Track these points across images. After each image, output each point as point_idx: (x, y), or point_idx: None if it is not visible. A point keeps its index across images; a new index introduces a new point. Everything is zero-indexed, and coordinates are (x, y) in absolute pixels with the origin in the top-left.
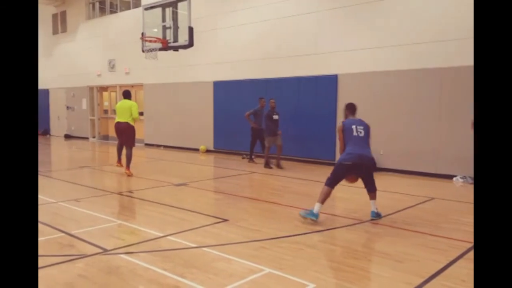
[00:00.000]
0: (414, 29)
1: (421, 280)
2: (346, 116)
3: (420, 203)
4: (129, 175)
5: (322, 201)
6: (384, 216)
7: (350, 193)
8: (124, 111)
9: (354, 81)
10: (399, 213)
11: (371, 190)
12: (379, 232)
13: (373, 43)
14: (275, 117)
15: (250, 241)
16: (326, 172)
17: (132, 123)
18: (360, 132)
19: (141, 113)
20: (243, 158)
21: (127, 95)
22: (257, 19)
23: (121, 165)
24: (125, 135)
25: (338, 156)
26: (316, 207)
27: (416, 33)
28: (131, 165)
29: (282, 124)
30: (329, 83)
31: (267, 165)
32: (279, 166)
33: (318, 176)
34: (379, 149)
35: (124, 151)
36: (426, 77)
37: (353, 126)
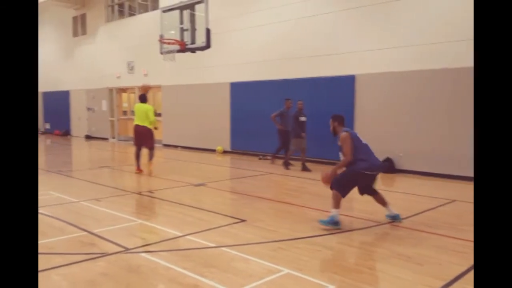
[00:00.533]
0: (432, 29)
1: (442, 284)
2: (334, 128)
3: (441, 205)
4: (140, 171)
5: (338, 205)
6: (404, 218)
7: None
8: (142, 114)
9: (371, 82)
10: (420, 215)
11: (376, 194)
12: (399, 235)
13: (390, 43)
14: (302, 118)
15: (267, 242)
16: None
17: (149, 126)
18: (363, 141)
19: (158, 114)
20: (260, 159)
21: (143, 98)
22: (274, 20)
23: (141, 171)
24: (144, 138)
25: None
26: (335, 214)
27: (434, 33)
28: (150, 165)
29: None
30: (347, 83)
31: (286, 165)
32: (305, 169)
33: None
34: (398, 151)
35: (143, 153)
36: (446, 77)
37: (358, 135)
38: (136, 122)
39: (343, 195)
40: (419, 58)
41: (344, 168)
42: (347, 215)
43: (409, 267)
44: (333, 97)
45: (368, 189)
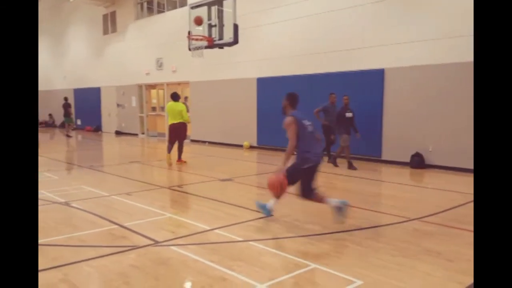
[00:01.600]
0: (463, 21)
1: (473, 280)
2: (284, 108)
3: (472, 201)
4: (181, 163)
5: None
6: (434, 214)
7: (398, 190)
8: (176, 113)
9: (401, 76)
10: (450, 211)
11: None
12: (429, 230)
13: (421, 36)
14: (349, 114)
15: (295, 237)
16: (372, 168)
17: (184, 122)
18: (310, 128)
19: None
20: None
21: (175, 97)
22: (301, 14)
23: (182, 161)
24: (181, 133)
25: (384, 153)
26: (271, 202)
27: (465, 25)
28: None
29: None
30: (376, 77)
31: (334, 162)
32: (351, 167)
33: (364, 173)
34: (428, 146)
35: (176, 146)
36: None
37: (305, 121)
38: (171, 121)
39: (308, 196)
40: (451, 51)
41: (289, 161)
42: (375, 211)
43: (439, 263)
44: (361, 92)
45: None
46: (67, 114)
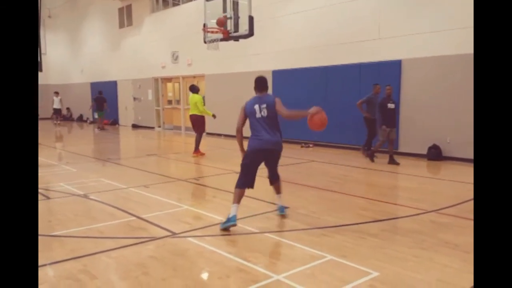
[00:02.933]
0: None
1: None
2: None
3: None
4: (199, 155)
5: (238, 201)
6: (452, 206)
7: (415, 182)
8: (193, 105)
9: (418, 67)
10: (468, 203)
11: (275, 178)
12: (446, 223)
13: (439, 26)
14: (391, 106)
15: (311, 228)
16: (387, 160)
17: (200, 114)
18: (264, 112)
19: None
20: (302, 146)
21: (192, 89)
22: (316, 5)
23: (200, 154)
24: (196, 125)
25: (401, 145)
26: (233, 210)
27: None
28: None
29: (343, 112)
30: (392, 69)
31: (371, 157)
32: (392, 162)
33: (381, 165)
34: (445, 137)
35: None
36: None
37: (256, 106)
38: (190, 112)
39: (242, 184)
40: (470, 41)
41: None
42: (392, 203)
43: (457, 255)
44: (378, 83)
45: (270, 171)
46: (100, 108)
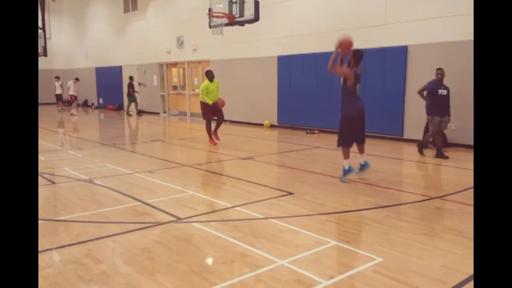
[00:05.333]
0: None
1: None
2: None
3: None
4: (211, 143)
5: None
6: (456, 192)
7: (419, 169)
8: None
9: (425, 52)
10: (472, 190)
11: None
12: (451, 209)
13: (445, 11)
14: (442, 92)
15: (315, 214)
16: (393, 147)
17: (202, 100)
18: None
19: None
20: (307, 133)
21: (205, 76)
22: None
23: (214, 143)
24: (201, 111)
25: (405, 131)
26: (346, 163)
27: None
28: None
29: None
30: (398, 54)
31: (420, 148)
32: (440, 155)
33: (385, 152)
34: (451, 124)
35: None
36: None
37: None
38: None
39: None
40: None
41: None
42: (396, 189)
43: (461, 241)
44: (384, 69)
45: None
46: (130, 93)
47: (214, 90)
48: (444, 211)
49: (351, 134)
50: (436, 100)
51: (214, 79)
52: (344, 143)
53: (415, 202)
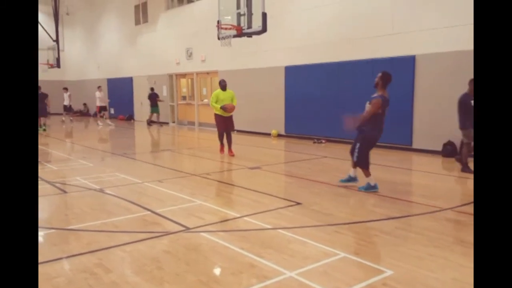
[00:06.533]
0: None
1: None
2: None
3: None
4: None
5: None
6: (467, 204)
7: (429, 179)
8: None
9: (433, 62)
10: None
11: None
12: (462, 221)
13: (453, 21)
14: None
15: (324, 225)
16: (401, 157)
17: (211, 106)
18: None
19: None
20: (314, 142)
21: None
22: (329, 1)
23: (223, 151)
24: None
25: (414, 141)
26: (371, 180)
27: None
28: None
29: (355, 108)
30: (406, 64)
31: (465, 167)
32: (466, 170)
33: (393, 161)
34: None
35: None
36: None
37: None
38: None
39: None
40: None
41: None
42: (406, 200)
43: (472, 254)
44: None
45: None
46: (154, 104)
47: (226, 99)
48: (455, 222)
49: (368, 154)
50: (469, 111)
51: (229, 90)
52: (367, 165)
53: (426, 213)
